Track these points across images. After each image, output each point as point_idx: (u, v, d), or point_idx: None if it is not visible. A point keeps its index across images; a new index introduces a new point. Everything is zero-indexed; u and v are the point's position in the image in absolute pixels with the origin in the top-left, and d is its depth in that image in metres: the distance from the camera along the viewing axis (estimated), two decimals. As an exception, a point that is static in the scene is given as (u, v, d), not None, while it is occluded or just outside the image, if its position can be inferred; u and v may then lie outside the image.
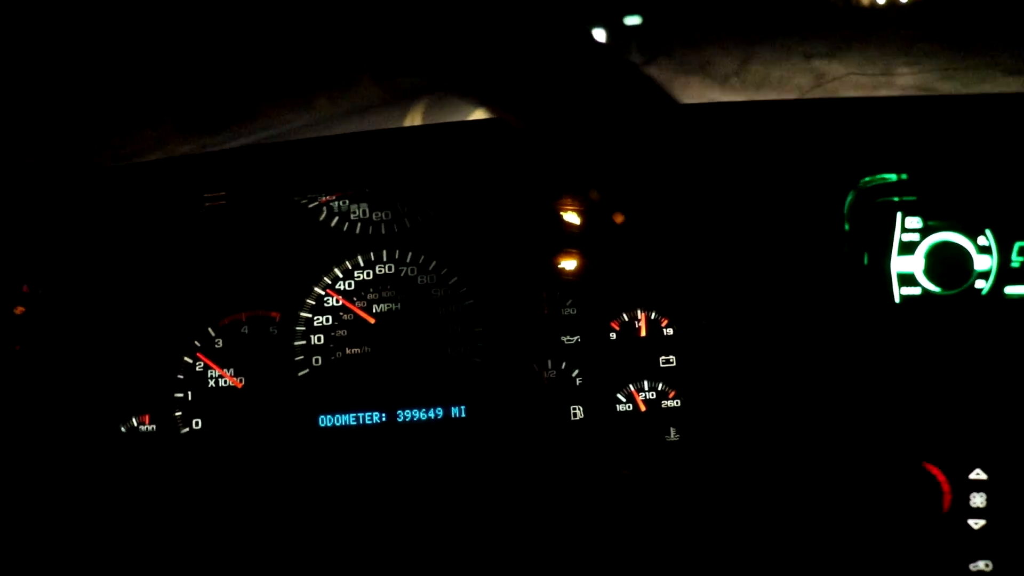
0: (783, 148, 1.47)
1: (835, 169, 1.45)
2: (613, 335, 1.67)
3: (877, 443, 1.37)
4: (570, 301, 1.67)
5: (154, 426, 1.68)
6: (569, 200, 1.68)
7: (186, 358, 1.69)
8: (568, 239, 1.68)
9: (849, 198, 1.47)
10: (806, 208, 1.46)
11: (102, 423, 1.67)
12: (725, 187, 1.35)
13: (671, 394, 1.65)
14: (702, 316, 1.57)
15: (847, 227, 1.49)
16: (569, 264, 1.68)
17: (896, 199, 1.48)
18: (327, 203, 1.70)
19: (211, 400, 1.68)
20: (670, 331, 1.67)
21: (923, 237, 1.48)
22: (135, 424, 1.68)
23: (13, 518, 1.60)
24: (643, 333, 1.66)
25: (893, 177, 1.45)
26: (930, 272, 1.49)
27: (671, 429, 1.64)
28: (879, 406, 1.41)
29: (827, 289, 1.44)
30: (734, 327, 1.53)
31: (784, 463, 1.51)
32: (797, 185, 1.43)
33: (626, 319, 1.67)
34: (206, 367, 1.69)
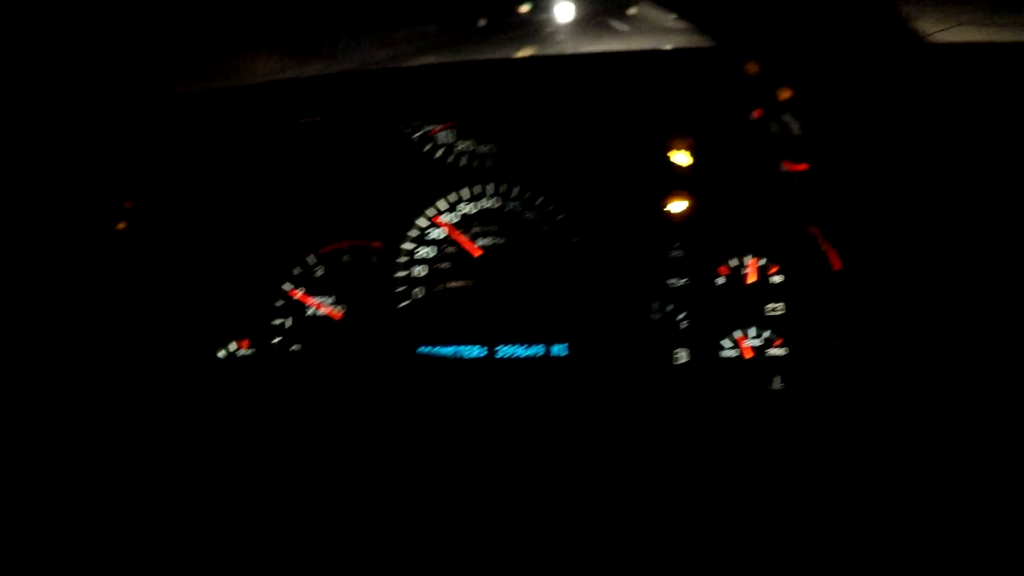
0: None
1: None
2: (721, 280, 1.64)
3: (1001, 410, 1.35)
4: (678, 243, 1.64)
5: (253, 350, 1.67)
6: (680, 139, 1.64)
7: (286, 285, 1.68)
8: (678, 180, 1.65)
9: None
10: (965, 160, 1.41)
11: (201, 346, 1.66)
12: (901, 132, 1.31)
13: (777, 342, 1.62)
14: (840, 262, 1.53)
15: None
16: (678, 206, 1.65)
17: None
18: (433, 134, 1.67)
19: (310, 327, 1.67)
20: (779, 279, 1.64)
21: None
22: (234, 348, 1.67)
23: (110, 438, 1.60)
24: (751, 279, 1.63)
25: None
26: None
27: (776, 378, 1.61)
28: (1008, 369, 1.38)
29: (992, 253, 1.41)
30: (863, 275, 1.50)
31: (891, 417, 1.49)
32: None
33: (734, 264, 1.64)
34: (307, 295, 1.67)
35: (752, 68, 1.46)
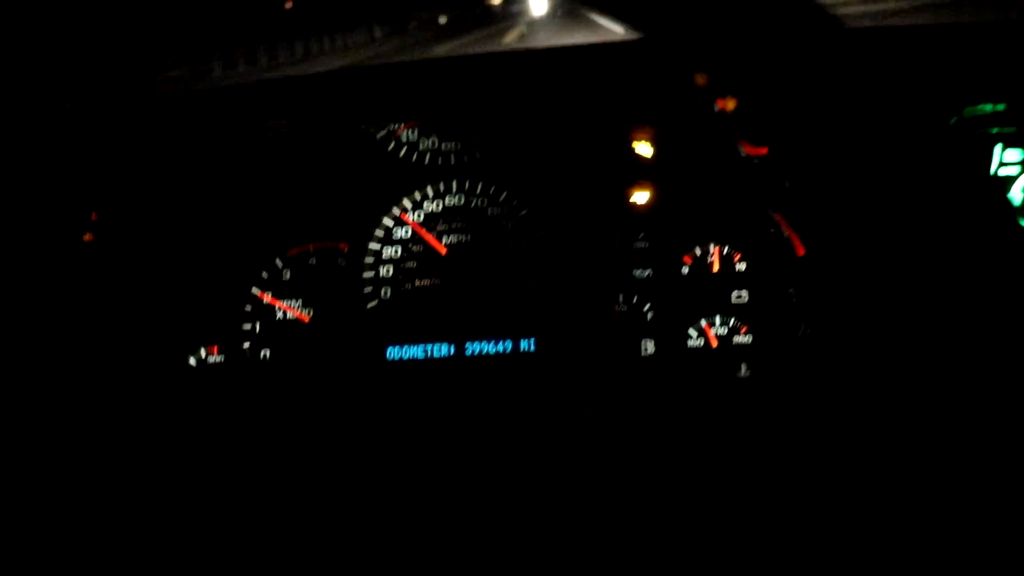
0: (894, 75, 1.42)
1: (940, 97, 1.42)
2: (685, 269, 1.65)
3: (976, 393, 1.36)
4: (642, 234, 1.65)
5: (222, 357, 1.68)
6: (642, 130, 1.65)
7: (254, 289, 1.68)
8: (641, 171, 1.66)
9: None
10: (912, 138, 1.42)
11: (170, 353, 1.67)
12: (848, 114, 1.32)
13: (743, 330, 1.63)
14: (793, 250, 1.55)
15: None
16: (641, 196, 1.66)
17: (996, 130, 1.45)
18: (395, 133, 1.68)
19: (279, 331, 1.67)
20: (742, 266, 1.65)
21: (1023, 171, 1.45)
22: (203, 355, 1.68)
23: (78, 448, 1.60)
24: (716, 268, 1.64)
25: (998, 107, 1.42)
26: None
27: (742, 365, 1.62)
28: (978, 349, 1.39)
29: (929, 222, 1.42)
30: (826, 258, 1.51)
31: (857, 401, 1.50)
32: (903, 114, 1.40)
33: (699, 253, 1.65)
34: (275, 298, 1.68)
35: (700, 80, 1.48)
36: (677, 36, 1.44)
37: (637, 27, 1.47)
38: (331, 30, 1.72)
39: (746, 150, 1.55)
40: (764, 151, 1.53)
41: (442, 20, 1.75)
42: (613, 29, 1.54)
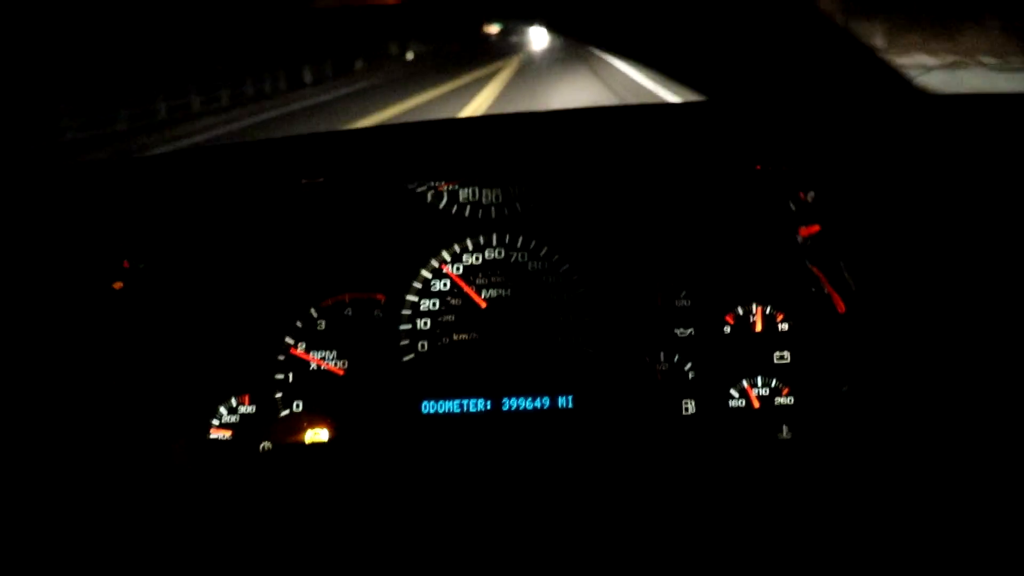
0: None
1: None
2: (727, 329, 1.63)
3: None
4: (684, 292, 1.63)
5: (254, 407, 1.64)
6: (687, 192, 1.64)
7: (287, 339, 1.65)
8: (685, 231, 1.64)
9: None
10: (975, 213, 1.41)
11: (202, 403, 1.63)
12: (915, 186, 1.31)
13: (785, 391, 1.61)
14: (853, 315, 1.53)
15: None
16: (685, 255, 1.64)
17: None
18: (435, 187, 1.65)
19: (312, 383, 1.64)
20: (785, 326, 1.63)
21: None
22: (235, 405, 1.64)
23: (103, 503, 1.56)
24: (758, 328, 1.63)
25: None
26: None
27: (784, 427, 1.60)
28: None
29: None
30: (872, 319, 1.49)
31: (899, 464, 1.48)
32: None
33: (741, 313, 1.63)
34: (308, 349, 1.65)
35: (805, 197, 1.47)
36: (731, 103, 1.42)
37: (666, 73, 1.45)
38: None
39: (802, 234, 1.55)
40: (817, 229, 1.52)
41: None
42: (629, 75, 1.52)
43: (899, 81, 1.23)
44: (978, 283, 1.45)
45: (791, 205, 1.56)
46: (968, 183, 1.41)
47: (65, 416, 1.52)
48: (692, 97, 1.45)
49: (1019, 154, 1.35)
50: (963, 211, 1.42)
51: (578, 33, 1.62)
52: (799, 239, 1.58)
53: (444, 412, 1.62)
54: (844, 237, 1.49)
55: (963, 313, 1.45)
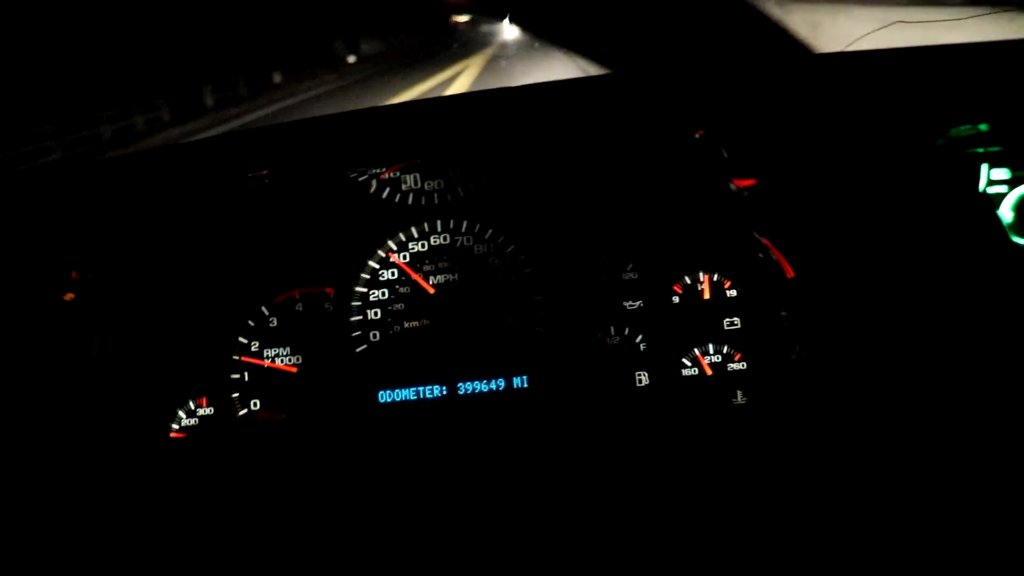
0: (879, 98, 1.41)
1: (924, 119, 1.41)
2: (676, 299, 1.63)
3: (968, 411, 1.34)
4: (631, 265, 1.63)
5: (211, 409, 1.65)
6: (625, 163, 1.64)
7: (240, 339, 1.66)
8: (626, 203, 1.64)
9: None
10: (898, 160, 1.41)
11: (159, 407, 1.64)
12: (834, 139, 1.31)
13: (737, 356, 1.62)
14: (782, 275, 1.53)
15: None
16: (627, 228, 1.64)
17: (981, 150, 1.44)
18: (377, 175, 1.66)
19: (268, 380, 1.65)
20: (733, 292, 1.63)
21: (1010, 189, 1.45)
22: (192, 408, 1.65)
23: (63, 510, 1.57)
24: (707, 295, 1.63)
25: (981, 127, 1.41)
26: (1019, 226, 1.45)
27: (738, 392, 1.61)
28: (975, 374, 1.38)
29: (923, 246, 1.41)
30: (817, 280, 1.50)
31: (855, 424, 1.48)
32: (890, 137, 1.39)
33: (688, 282, 1.63)
34: (262, 347, 1.66)
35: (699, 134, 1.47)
36: (659, 71, 1.43)
37: (607, 64, 1.46)
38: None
39: (735, 183, 1.54)
40: (752, 182, 1.52)
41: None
42: (582, 67, 1.53)
43: (796, 40, 1.24)
44: (913, 238, 1.45)
45: (723, 153, 1.56)
46: (875, 138, 1.42)
47: (23, 428, 1.53)
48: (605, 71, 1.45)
49: (920, 106, 1.36)
50: (875, 167, 1.42)
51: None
52: (733, 188, 1.57)
53: (400, 400, 1.63)
54: (779, 193, 1.49)
55: (907, 270, 1.45)
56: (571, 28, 1.39)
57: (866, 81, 1.38)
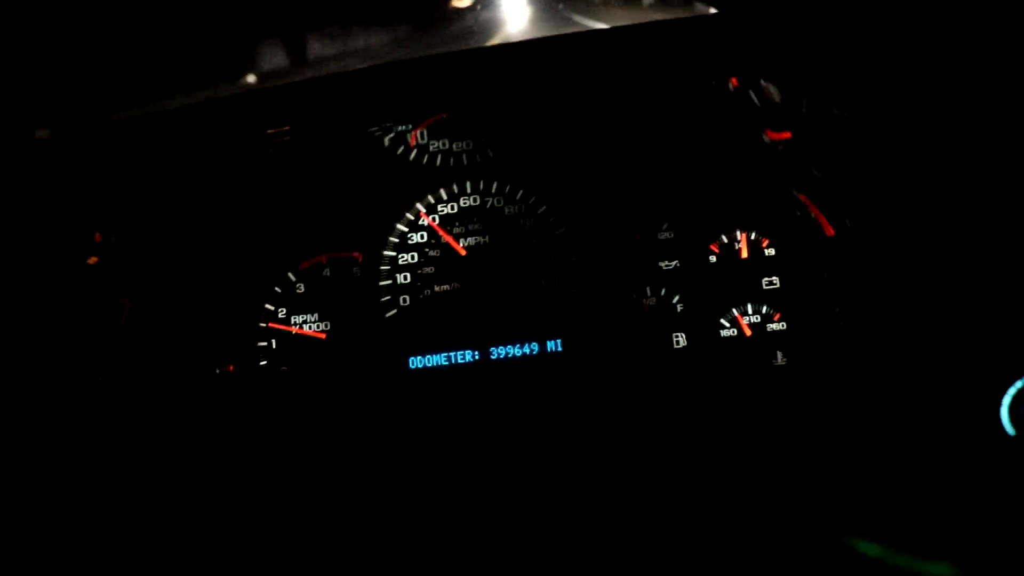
0: None
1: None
2: (713, 258, 1.59)
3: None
4: (666, 225, 1.59)
5: (239, 376, 1.62)
6: (659, 118, 1.60)
7: (267, 305, 1.63)
8: (660, 159, 1.60)
9: None
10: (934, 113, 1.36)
11: (185, 374, 1.61)
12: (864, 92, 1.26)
13: (776, 317, 1.57)
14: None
15: None
16: (663, 186, 1.60)
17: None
18: (404, 135, 1.62)
19: (296, 346, 1.62)
20: (772, 251, 1.59)
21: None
22: (219, 375, 1.62)
23: (89, 471, 1.53)
24: (744, 254, 1.59)
25: None
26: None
27: (778, 353, 1.57)
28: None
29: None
30: (857, 237, 1.46)
31: (895, 386, 1.44)
32: None
33: (725, 240, 1.59)
34: (289, 314, 1.62)
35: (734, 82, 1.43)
36: (691, 23, 1.39)
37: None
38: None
39: (769, 136, 1.51)
40: (787, 135, 1.48)
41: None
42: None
43: None
44: (963, 193, 1.41)
45: (754, 99, 1.52)
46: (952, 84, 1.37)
47: (47, 394, 1.50)
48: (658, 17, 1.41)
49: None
50: (942, 117, 1.38)
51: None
52: (767, 140, 1.53)
53: (432, 366, 1.60)
54: (817, 145, 1.45)
55: (950, 228, 1.41)
56: None
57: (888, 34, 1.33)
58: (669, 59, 1.50)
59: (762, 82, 1.47)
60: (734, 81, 1.53)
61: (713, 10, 1.37)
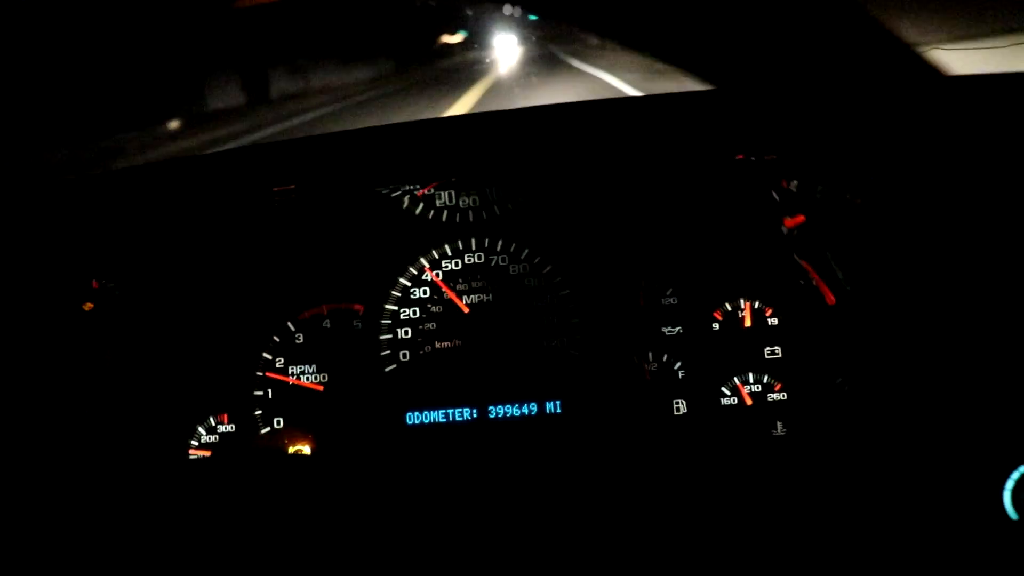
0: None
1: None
2: (716, 325, 1.59)
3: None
4: (670, 290, 1.59)
5: (232, 426, 1.60)
6: (668, 188, 1.60)
7: (265, 354, 1.61)
8: (668, 227, 1.60)
9: None
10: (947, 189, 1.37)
11: (179, 423, 1.58)
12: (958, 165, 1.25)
13: (777, 387, 1.57)
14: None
15: None
16: (669, 253, 1.60)
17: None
18: (411, 191, 1.61)
19: (293, 398, 1.60)
20: (775, 320, 1.59)
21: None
22: (213, 424, 1.59)
23: (76, 526, 1.51)
24: (748, 323, 1.59)
25: None
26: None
27: (778, 423, 1.56)
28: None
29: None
30: (862, 309, 1.45)
31: (897, 457, 1.44)
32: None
33: (729, 308, 1.59)
34: (287, 364, 1.60)
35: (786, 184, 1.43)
36: (713, 93, 1.38)
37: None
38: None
39: (786, 224, 1.51)
40: (802, 219, 1.48)
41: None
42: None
43: (895, 63, 1.19)
44: (968, 270, 1.41)
45: (775, 195, 1.52)
46: (962, 169, 1.37)
47: (39, 442, 1.47)
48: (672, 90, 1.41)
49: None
50: (953, 199, 1.38)
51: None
52: (784, 230, 1.54)
53: (429, 422, 1.58)
54: (830, 227, 1.45)
55: (954, 302, 1.41)
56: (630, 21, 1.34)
57: (973, 111, 1.32)
58: (674, 131, 1.50)
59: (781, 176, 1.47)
60: (739, 156, 1.53)
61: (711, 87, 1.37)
